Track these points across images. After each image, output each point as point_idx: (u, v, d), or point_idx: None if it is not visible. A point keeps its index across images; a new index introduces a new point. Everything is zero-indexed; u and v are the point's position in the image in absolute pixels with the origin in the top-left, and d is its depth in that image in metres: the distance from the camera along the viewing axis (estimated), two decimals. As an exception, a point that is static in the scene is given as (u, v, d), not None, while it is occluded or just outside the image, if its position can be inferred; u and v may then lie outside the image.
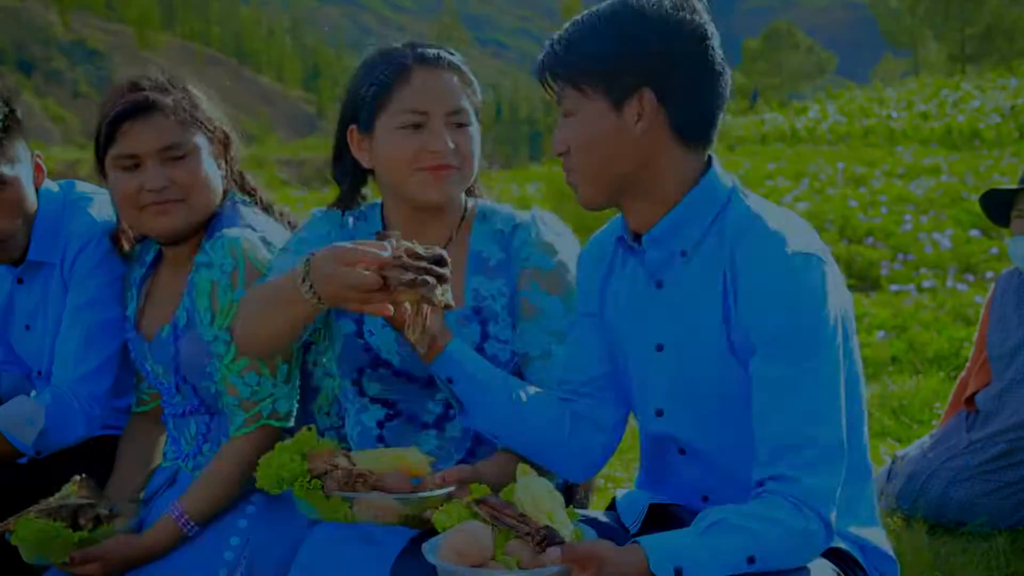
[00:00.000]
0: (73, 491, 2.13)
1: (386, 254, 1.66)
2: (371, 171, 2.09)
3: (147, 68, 2.23)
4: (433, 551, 1.55)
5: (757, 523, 1.56)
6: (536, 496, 1.62)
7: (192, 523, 2.09)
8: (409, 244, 1.70)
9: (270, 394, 2.09)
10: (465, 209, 2.12)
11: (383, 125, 2.02)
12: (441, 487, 1.74)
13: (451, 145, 1.99)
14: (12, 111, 2.32)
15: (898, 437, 4.13)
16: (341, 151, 2.12)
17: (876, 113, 19.48)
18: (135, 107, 2.11)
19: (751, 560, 1.54)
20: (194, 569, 2.08)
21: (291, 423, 2.14)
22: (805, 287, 1.66)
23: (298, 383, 2.16)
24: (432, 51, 2.04)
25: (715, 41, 1.72)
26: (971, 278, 7.60)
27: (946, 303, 6.60)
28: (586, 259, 1.96)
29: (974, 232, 8.59)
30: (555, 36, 1.76)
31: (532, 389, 1.93)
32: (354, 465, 1.73)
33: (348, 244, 1.69)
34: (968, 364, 3.39)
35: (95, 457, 2.41)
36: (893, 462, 3.41)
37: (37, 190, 2.43)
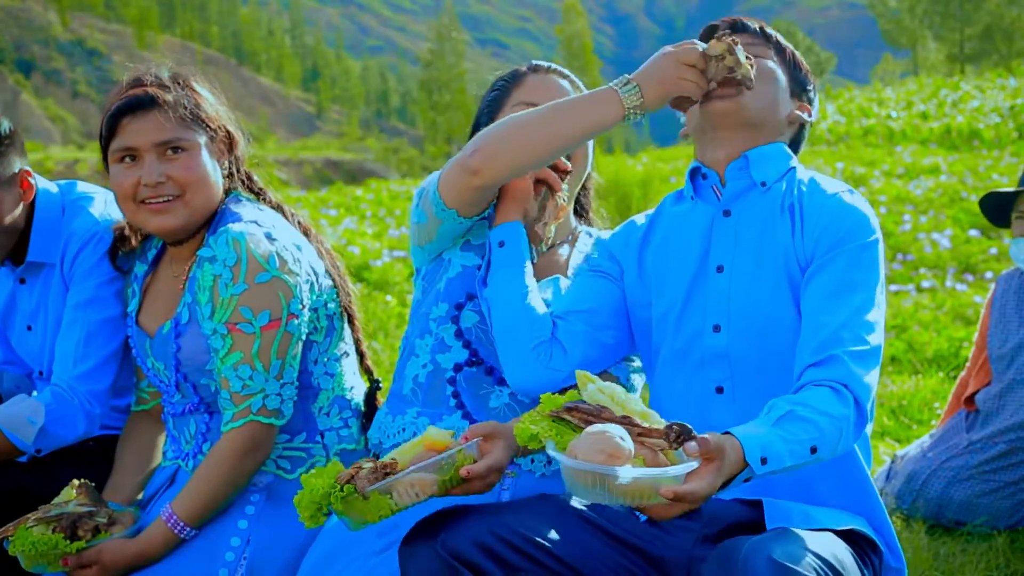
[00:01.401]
0: (72, 496, 2.13)
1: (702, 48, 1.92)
2: None
3: (152, 65, 2.23)
4: (564, 453, 1.49)
5: (816, 415, 1.65)
6: (619, 399, 1.61)
7: (184, 525, 2.09)
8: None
9: (261, 389, 2.10)
10: (576, 230, 2.35)
11: None
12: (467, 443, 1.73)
13: None
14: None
15: (898, 437, 4.13)
16: None
17: (875, 113, 19.48)
18: (135, 102, 2.13)
19: (814, 450, 1.64)
20: (194, 570, 2.08)
21: (281, 421, 2.14)
22: (865, 216, 1.89)
23: (294, 382, 2.16)
24: (545, 63, 2.31)
25: None
26: (971, 278, 7.59)
27: (946, 303, 6.59)
28: (620, 233, 2.14)
29: (974, 232, 8.59)
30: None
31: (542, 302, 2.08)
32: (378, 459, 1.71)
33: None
34: (968, 364, 3.39)
35: (95, 457, 2.42)
36: (893, 462, 3.41)
37: (32, 201, 2.42)
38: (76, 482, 2.16)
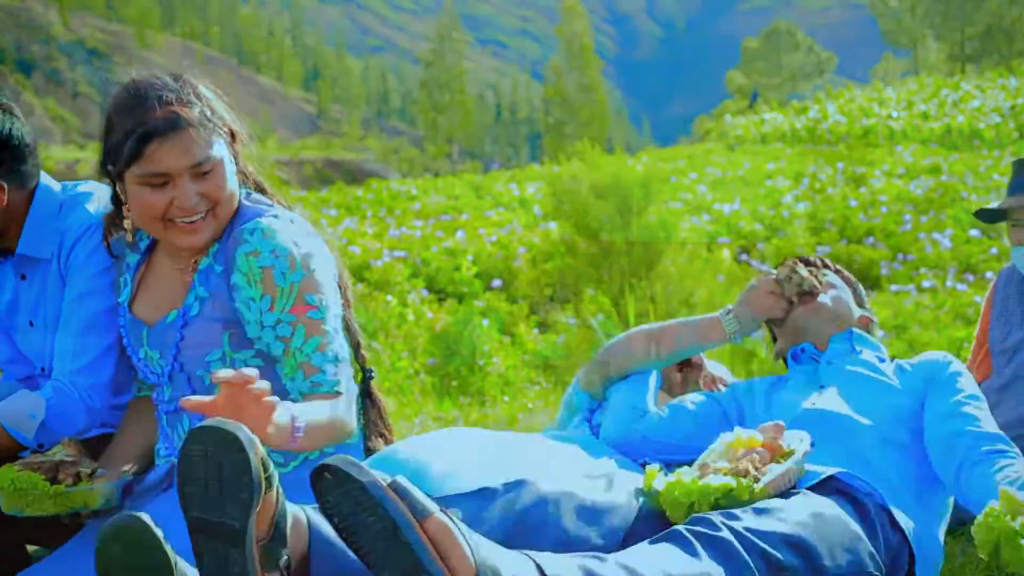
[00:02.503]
0: (60, 449, 2.15)
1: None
2: None
3: (153, 69, 2.21)
4: None
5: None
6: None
7: (303, 427, 1.88)
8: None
9: (344, 359, 2.15)
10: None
11: None
12: (788, 449, 2.11)
13: None
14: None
15: (898, 436, 4.13)
16: None
17: (876, 113, 19.49)
18: (166, 125, 2.08)
19: None
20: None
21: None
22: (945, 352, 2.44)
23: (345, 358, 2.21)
24: None
25: None
26: (971, 278, 7.61)
27: (946, 303, 6.60)
28: (745, 382, 2.67)
29: (974, 232, 8.60)
30: None
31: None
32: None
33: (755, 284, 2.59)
34: (969, 358, 3.39)
35: (95, 452, 2.43)
36: (893, 461, 3.41)
37: (32, 194, 2.43)
38: (67, 439, 2.18)
